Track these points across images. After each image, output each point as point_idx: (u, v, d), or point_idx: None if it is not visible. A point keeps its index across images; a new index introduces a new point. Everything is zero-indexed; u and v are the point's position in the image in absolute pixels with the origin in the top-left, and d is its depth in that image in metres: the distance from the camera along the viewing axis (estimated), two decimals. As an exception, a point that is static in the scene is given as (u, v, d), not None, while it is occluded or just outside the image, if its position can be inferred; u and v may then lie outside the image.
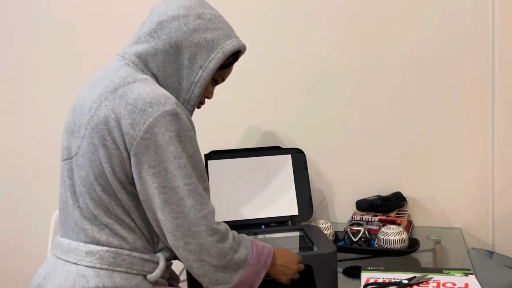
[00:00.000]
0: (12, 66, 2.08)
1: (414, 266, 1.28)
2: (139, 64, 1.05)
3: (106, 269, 0.96)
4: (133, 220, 1.00)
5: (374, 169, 1.70)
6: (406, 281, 1.03)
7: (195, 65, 1.06)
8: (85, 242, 0.98)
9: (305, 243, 1.27)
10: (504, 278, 1.36)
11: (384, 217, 1.54)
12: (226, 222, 1.07)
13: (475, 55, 1.56)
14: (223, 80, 1.19)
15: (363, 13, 1.65)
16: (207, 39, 1.06)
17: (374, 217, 1.55)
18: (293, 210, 1.46)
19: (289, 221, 1.44)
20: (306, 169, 1.52)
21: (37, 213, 2.09)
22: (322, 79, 1.72)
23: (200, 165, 1.00)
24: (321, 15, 1.70)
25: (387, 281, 1.05)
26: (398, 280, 1.04)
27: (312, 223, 1.49)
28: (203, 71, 1.06)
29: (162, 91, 0.99)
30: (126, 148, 0.95)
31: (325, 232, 1.46)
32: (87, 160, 0.98)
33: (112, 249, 0.97)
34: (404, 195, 1.66)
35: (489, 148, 1.59)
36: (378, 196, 1.63)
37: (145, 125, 0.94)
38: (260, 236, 1.35)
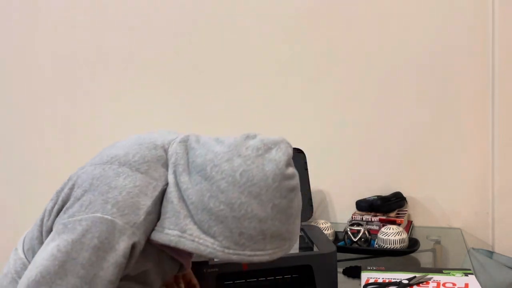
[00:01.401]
0: (11, 65, 2.08)
1: (414, 266, 1.28)
2: None
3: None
4: None
5: (374, 169, 1.70)
6: (406, 281, 1.03)
7: None
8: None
9: (305, 243, 1.27)
10: (504, 278, 1.36)
11: (384, 217, 1.54)
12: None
13: (475, 55, 1.56)
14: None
15: (363, 13, 1.65)
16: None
17: (374, 217, 1.55)
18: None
19: (289, 221, 1.44)
20: (306, 169, 1.52)
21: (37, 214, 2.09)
22: (322, 79, 1.72)
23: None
24: (321, 15, 1.70)
25: (387, 281, 1.05)
26: (398, 280, 1.04)
27: (312, 223, 1.49)
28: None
29: None
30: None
31: (325, 232, 1.46)
32: None
33: None
34: (404, 195, 1.66)
35: (489, 148, 1.59)
36: (378, 196, 1.63)
37: None
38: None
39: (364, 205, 1.59)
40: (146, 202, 0.80)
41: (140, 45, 1.91)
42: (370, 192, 1.70)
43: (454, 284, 1.02)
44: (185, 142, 0.89)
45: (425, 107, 1.63)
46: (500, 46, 1.53)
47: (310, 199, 1.49)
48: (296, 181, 0.83)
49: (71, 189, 0.84)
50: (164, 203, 0.83)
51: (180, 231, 0.80)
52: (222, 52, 1.82)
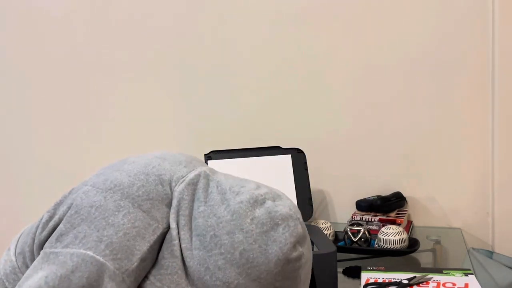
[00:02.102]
0: (12, 65, 2.08)
1: (414, 266, 1.28)
2: None
3: None
4: None
5: (374, 169, 1.70)
6: (406, 281, 1.03)
7: None
8: None
9: (305, 243, 1.27)
10: (504, 278, 1.36)
11: (384, 217, 1.54)
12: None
13: (475, 55, 1.56)
14: None
15: (363, 13, 1.65)
16: None
17: (374, 217, 1.55)
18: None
19: (289, 221, 1.44)
20: (306, 169, 1.52)
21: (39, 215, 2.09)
22: (322, 79, 1.72)
23: None
24: (321, 14, 1.70)
25: (387, 281, 1.05)
26: (398, 280, 1.04)
27: (312, 223, 1.49)
28: None
29: None
30: None
31: (325, 232, 1.46)
32: None
33: None
34: (404, 195, 1.66)
35: (489, 148, 1.59)
36: (378, 196, 1.63)
37: None
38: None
39: (364, 205, 1.59)
40: (142, 247, 0.75)
41: (140, 45, 1.91)
42: (370, 192, 1.70)
43: (454, 284, 1.02)
44: (194, 185, 0.81)
45: (425, 107, 1.63)
46: (500, 46, 1.53)
47: (310, 199, 1.49)
48: (303, 259, 0.76)
49: (69, 208, 0.81)
50: (165, 253, 0.77)
51: None
52: (221, 52, 1.82)
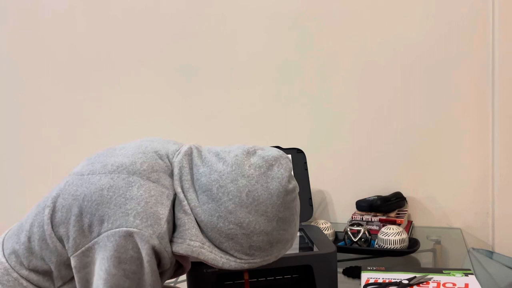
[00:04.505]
0: (13, 66, 2.08)
1: (414, 266, 1.28)
2: None
3: None
4: None
5: (374, 169, 1.70)
6: (406, 281, 1.03)
7: None
8: None
9: (305, 243, 1.27)
10: (504, 278, 1.36)
11: (384, 217, 1.54)
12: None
13: (475, 55, 1.56)
14: None
15: (362, 13, 1.65)
16: None
17: (374, 217, 1.55)
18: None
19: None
20: (306, 169, 1.52)
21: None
22: (322, 79, 1.72)
23: None
24: (320, 15, 1.70)
25: (387, 281, 1.05)
26: (398, 280, 1.04)
27: (312, 223, 1.49)
28: None
29: None
30: None
31: (325, 232, 1.46)
32: None
33: None
34: (404, 195, 1.66)
35: (489, 148, 1.59)
36: (378, 196, 1.63)
37: None
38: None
39: (364, 205, 1.59)
40: (164, 211, 0.82)
41: (141, 45, 1.91)
42: (370, 192, 1.70)
43: (454, 284, 1.02)
44: (189, 155, 0.89)
45: (425, 107, 1.63)
46: (501, 46, 1.53)
47: (310, 199, 1.49)
48: (296, 191, 0.87)
49: (76, 199, 0.83)
50: (178, 214, 0.84)
51: (201, 243, 0.82)
52: (221, 53, 1.82)
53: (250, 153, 0.87)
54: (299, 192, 1.49)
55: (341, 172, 1.74)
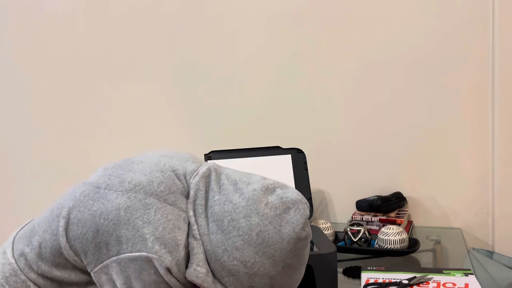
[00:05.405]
0: (13, 65, 2.08)
1: (414, 266, 1.28)
2: None
3: None
4: None
5: (374, 169, 1.70)
6: (406, 281, 1.03)
7: None
8: None
9: (305, 243, 1.27)
10: (504, 278, 1.36)
11: (384, 217, 1.54)
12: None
13: (475, 55, 1.56)
14: None
15: (362, 13, 1.65)
16: None
17: (374, 217, 1.55)
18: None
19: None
20: (306, 169, 1.52)
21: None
22: (322, 79, 1.72)
23: None
24: (321, 14, 1.70)
25: (387, 281, 1.05)
26: (398, 280, 1.04)
27: (312, 223, 1.49)
28: None
29: None
30: None
31: (325, 232, 1.46)
32: None
33: None
34: (404, 195, 1.66)
35: (489, 148, 1.59)
36: (378, 196, 1.63)
37: None
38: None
39: (364, 205, 1.59)
40: (182, 237, 0.82)
41: (141, 45, 1.91)
42: (370, 192, 1.70)
43: (454, 284, 1.02)
44: (207, 177, 0.87)
45: (425, 107, 1.63)
46: (500, 46, 1.53)
47: (310, 199, 1.49)
48: (309, 239, 0.84)
49: (93, 215, 0.82)
50: (189, 238, 0.83)
51: (207, 270, 0.81)
52: (221, 53, 1.82)
53: (269, 190, 0.84)
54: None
55: (341, 172, 1.74)
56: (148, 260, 0.78)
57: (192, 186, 0.86)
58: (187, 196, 0.86)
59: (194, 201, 0.85)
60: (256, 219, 0.80)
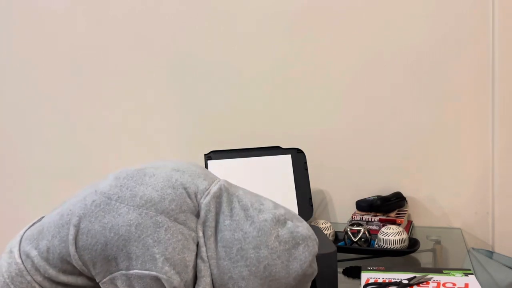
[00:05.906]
0: (13, 65, 2.08)
1: (414, 266, 1.28)
2: None
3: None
4: None
5: (374, 169, 1.70)
6: (406, 281, 1.03)
7: None
8: None
9: (305, 243, 1.27)
10: (504, 278, 1.36)
11: (384, 217, 1.54)
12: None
13: (475, 54, 1.56)
14: None
15: (363, 12, 1.65)
16: None
17: (374, 217, 1.55)
18: (293, 210, 1.46)
19: (289, 221, 1.44)
20: (306, 169, 1.52)
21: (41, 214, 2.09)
22: (322, 79, 1.72)
23: None
24: (320, 13, 1.70)
25: (387, 281, 1.05)
26: (398, 280, 1.04)
27: (312, 223, 1.49)
28: None
29: None
30: None
31: (325, 232, 1.46)
32: None
33: None
34: (404, 195, 1.66)
35: (489, 148, 1.59)
36: (378, 196, 1.63)
37: None
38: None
39: (364, 205, 1.59)
40: (191, 257, 0.82)
41: (141, 45, 1.91)
42: (370, 192, 1.70)
43: (454, 284, 1.02)
44: (218, 198, 0.87)
45: (425, 107, 1.63)
46: (500, 46, 1.53)
47: (310, 199, 1.49)
48: (314, 275, 0.85)
49: (104, 228, 0.83)
50: (197, 259, 0.84)
51: None
52: (221, 52, 1.82)
53: (280, 222, 0.85)
54: (299, 192, 1.49)
55: (341, 172, 1.74)
56: (157, 279, 0.79)
57: (202, 206, 0.86)
58: (197, 215, 0.86)
59: (204, 222, 0.85)
60: (265, 251, 0.81)
